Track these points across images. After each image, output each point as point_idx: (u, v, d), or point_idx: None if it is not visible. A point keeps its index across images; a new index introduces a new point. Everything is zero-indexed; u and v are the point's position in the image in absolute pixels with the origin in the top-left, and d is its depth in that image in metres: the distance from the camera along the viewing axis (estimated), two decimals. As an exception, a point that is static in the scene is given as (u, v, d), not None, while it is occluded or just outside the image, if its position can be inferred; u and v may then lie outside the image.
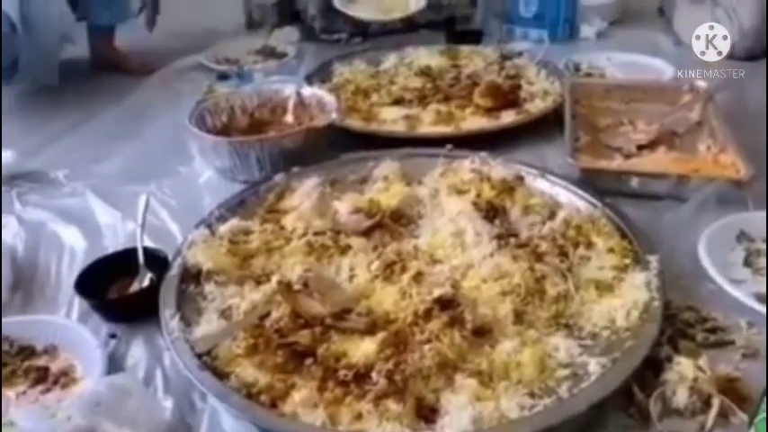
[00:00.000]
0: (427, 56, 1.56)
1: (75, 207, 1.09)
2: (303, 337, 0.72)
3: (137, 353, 0.79)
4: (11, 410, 0.70)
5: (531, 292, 0.79)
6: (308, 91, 1.29)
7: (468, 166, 1.04)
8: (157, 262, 0.87)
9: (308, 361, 0.70)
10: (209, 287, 0.83)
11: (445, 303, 0.75)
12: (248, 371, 0.69)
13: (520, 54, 1.56)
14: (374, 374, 0.67)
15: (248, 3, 2.00)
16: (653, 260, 0.81)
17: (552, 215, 0.93)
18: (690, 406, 0.63)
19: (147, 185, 1.11)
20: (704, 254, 0.85)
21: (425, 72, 1.47)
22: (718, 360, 0.71)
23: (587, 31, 1.76)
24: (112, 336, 0.81)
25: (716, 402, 0.62)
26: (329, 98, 1.25)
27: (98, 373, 0.71)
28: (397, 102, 1.37)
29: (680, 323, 0.77)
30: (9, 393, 0.73)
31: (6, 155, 1.17)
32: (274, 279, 0.81)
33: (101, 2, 1.69)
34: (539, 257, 0.83)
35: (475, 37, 1.72)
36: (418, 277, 0.80)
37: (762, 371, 0.69)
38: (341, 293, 0.80)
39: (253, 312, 0.77)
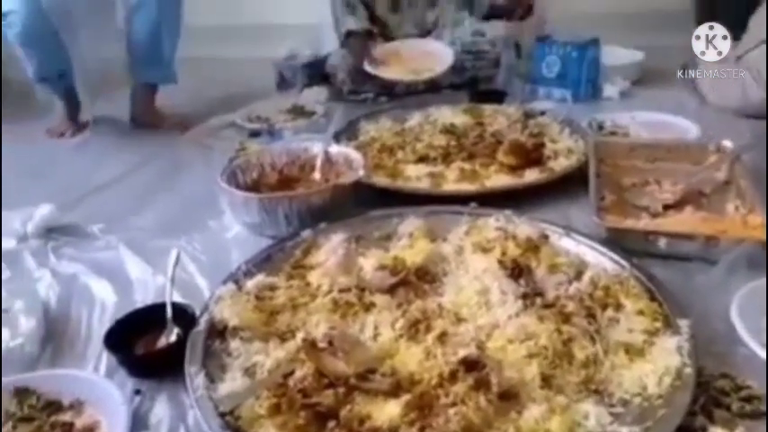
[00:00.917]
0: (451, 114, 1.60)
1: (108, 260, 1.12)
2: (326, 397, 0.72)
3: (161, 410, 0.79)
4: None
5: (559, 354, 0.77)
6: (335, 149, 1.33)
7: (492, 223, 1.04)
8: (185, 317, 0.88)
9: (331, 423, 0.69)
10: (234, 343, 0.83)
11: (470, 365, 0.74)
12: (270, 432, 0.69)
13: (543, 113, 1.59)
14: (398, 438, 0.66)
15: (279, 64, 2.09)
16: (684, 324, 0.79)
17: (579, 275, 0.92)
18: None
19: (178, 239, 1.14)
20: (737, 318, 0.83)
21: (450, 130, 1.50)
22: (754, 431, 0.68)
23: (610, 90, 1.78)
24: (137, 392, 0.81)
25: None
26: (355, 156, 1.28)
27: (122, 430, 0.71)
28: (422, 159, 1.39)
29: (714, 391, 0.74)
30: (35, 449, 0.73)
31: (45, 209, 1.22)
32: (299, 336, 0.81)
33: (145, 62, 1.80)
34: (566, 318, 0.82)
35: (498, 96, 1.76)
36: (443, 337, 0.80)
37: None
38: (365, 352, 0.79)
39: (277, 371, 0.77)
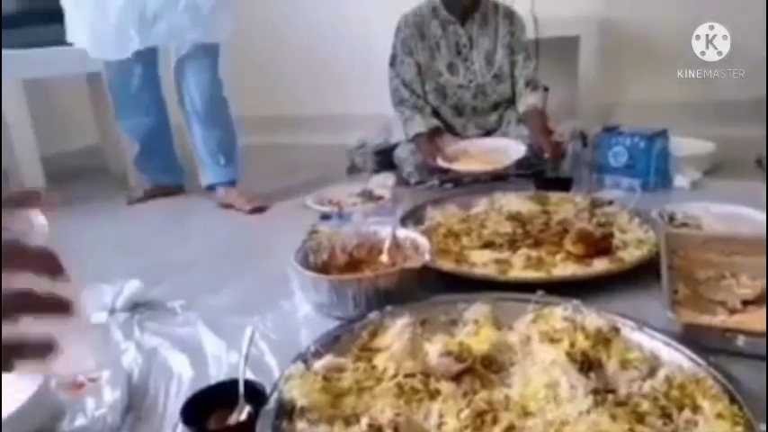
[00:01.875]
0: (517, 201, 1.62)
1: (186, 336, 1.19)
2: (391, 485, 0.72)
3: (230, 485, 0.81)
4: None
5: (633, 456, 0.74)
6: (402, 233, 1.38)
7: (560, 313, 1.03)
8: (256, 394, 0.91)
9: None
10: (301, 424, 0.85)
11: (539, 461, 0.72)
12: None
13: (611, 202, 1.58)
14: None
15: (351, 151, 2.22)
16: (766, 429, 0.75)
17: (652, 372, 0.89)
18: None
19: (252, 318, 1.19)
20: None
21: (515, 217, 1.52)
22: None
23: (681, 181, 1.75)
24: (209, 466, 0.84)
25: None
26: (422, 240, 1.32)
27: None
28: (488, 245, 1.41)
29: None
30: None
31: (134, 285, 1.31)
32: (364, 421, 0.82)
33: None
34: (640, 418, 0.79)
35: (564, 184, 1.76)
36: (510, 431, 0.78)
37: None
38: (430, 441, 0.79)
39: (342, 455, 0.77)
